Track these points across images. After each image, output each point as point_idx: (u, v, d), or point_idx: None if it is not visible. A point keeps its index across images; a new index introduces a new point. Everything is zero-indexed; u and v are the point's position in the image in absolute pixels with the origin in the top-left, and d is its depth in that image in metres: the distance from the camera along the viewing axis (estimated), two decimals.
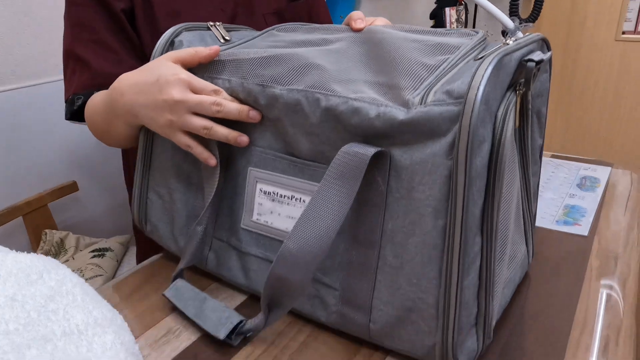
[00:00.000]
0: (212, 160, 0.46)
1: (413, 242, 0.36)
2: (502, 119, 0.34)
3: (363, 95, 0.38)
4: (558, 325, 0.42)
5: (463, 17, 1.56)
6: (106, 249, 1.25)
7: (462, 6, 1.50)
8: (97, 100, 0.58)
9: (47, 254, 1.24)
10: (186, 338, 0.43)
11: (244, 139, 0.45)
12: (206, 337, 0.43)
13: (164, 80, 0.45)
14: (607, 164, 0.74)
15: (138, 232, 0.79)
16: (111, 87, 0.52)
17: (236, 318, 0.42)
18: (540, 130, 0.46)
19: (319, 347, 0.42)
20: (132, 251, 1.32)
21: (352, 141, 0.39)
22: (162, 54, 0.52)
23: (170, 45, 0.52)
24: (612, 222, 0.58)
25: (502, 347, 0.40)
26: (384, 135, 0.37)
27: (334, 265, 0.42)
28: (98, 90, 0.60)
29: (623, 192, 0.66)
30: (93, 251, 1.26)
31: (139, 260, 0.82)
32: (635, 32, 1.14)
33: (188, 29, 0.54)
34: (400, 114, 0.36)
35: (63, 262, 1.22)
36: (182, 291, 0.46)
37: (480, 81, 0.32)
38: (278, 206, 0.45)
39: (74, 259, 1.24)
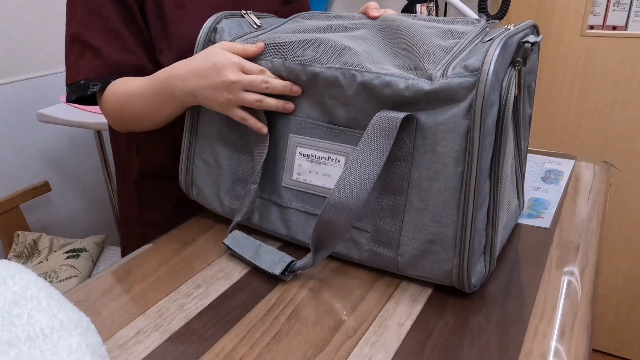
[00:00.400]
0: (265, 129, 0.54)
1: (436, 187, 0.46)
2: (507, 88, 0.44)
3: (393, 71, 0.47)
4: (518, 312, 0.45)
5: (434, 14, 1.66)
6: (81, 250, 1.25)
7: (432, 3, 1.59)
8: (138, 86, 0.61)
9: (20, 255, 1.25)
10: (157, 338, 0.44)
11: (290, 106, 0.54)
12: (176, 337, 0.44)
13: (221, 65, 0.53)
14: (572, 157, 0.77)
15: (124, 229, 0.81)
16: (164, 75, 0.57)
17: (288, 258, 0.51)
18: (530, 102, 0.56)
19: (346, 275, 0.51)
20: (108, 251, 1.31)
21: (384, 109, 0.48)
22: (206, 37, 0.60)
23: (213, 31, 0.60)
24: (573, 213, 0.61)
25: (460, 327, 0.43)
26: (412, 103, 0.46)
27: (366, 212, 0.51)
28: (115, 78, 0.64)
29: (586, 184, 0.69)
30: (67, 252, 1.23)
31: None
32: (603, 27, 1.25)
33: (227, 17, 0.62)
34: (426, 85, 0.45)
35: (37, 264, 1.20)
36: (239, 239, 0.55)
37: (492, 58, 0.42)
38: (316, 166, 0.54)
39: (47, 260, 1.23)
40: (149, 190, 0.76)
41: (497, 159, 0.45)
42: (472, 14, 1.09)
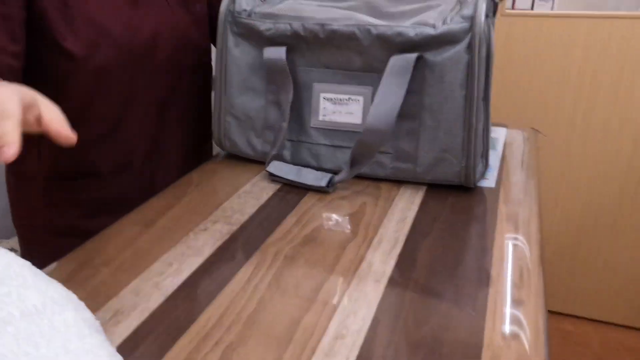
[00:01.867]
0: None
1: (446, 108, 0.60)
2: (489, 30, 0.59)
3: (402, 23, 0.61)
4: (476, 262, 0.49)
5: None
6: None
7: None
8: None
9: None
10: (137, 317, 0.43)
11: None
12: (157, 314, 0.44)
13: None
14: (503, 125, 0.86)
15: (25, 234, 0.76)
16: None
17: (328, 174, 0.64)
18: None
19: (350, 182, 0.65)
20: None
21: (396, 54, 0.62)
22: (227, 8, 0.69)
23: (232, 2, 0.70)
24: (512, 175, 0.69)
25: (422, 290, 0.45)
26: (420, 46, 0.60)
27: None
28: None
29: (518, 148, 0.78)
30: None
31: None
32: (513, 8, 1.50)
33: None
34: (431, 31, 0.59)
35: None
36: (279, 167, 0.66)
37: (482, 7, 0.57)
38: (339, 107, 0.66)
39: None
40: (56, 195, 0.71)
41: (488, 84, 0.60)
42: None
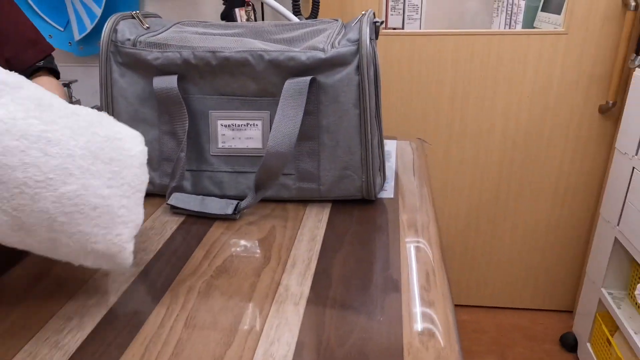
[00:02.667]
0: None
1: (342, 127, 0.63)
2: (374, 51, 0.63)
3: (294, 49, 0.63)
4: (386, 270, 0.52)
5: (253, 17, 1.85)
6: None
7: (250, 7, 1.78)
8: None
9: None
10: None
11: None
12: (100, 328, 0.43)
13: None
14: (393, 137, 0.92)
15: None
16: None
17: (233, 201, 0.62)
18: None
19: (283, 208, 0.65)
20: None
21: (289, 78, 0.63)
22: (108, 38, 0.66)
23: (114, 32, 0.66)
24: (407, 184, 0.73)
25: (340, 306, 0.46)
26: (312, 70, 0.63)
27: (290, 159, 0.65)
28: None
29: (408, 158, 0.83)
30: None
31: None
32: (385, 28, 1.61)
33: (123, 18, 0.68)
34: (322, 54, 0.62)
35: None
36: (181, 198, 0.63)
37: (367, 31, 0.61)
38: (237, 132, 0.66)
39: None
40: None
41: (378, 101, 0.64)
42: (292, 16, 1.30)
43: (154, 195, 0.68)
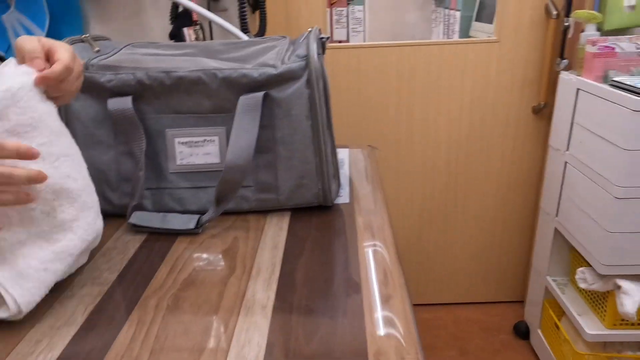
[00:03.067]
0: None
1: (296, 139, 0.66)
2: (321, 65, 0.67)
3: (246, 66, 0.66)
4: (346, 272, 0.55)
5: (201, 36, 1.87)
6: None
7: (198, 26, 1.79)
8: None
9: None
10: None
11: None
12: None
13: None
14: (345, 146, 0.95)
15: None
16: None
17: (195, 215, 0.64)
18: None
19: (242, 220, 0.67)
20: None
21: (242, 94, 0.66)
22: None
23: None
24: (361, 189, 0.77)
25: (305, 308, 0.48)
26: (265, 85, 0.65)
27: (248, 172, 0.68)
28: None
29: (361, 165, 0.87)
30: None
31: None
32: (331, 41, 1.66)
33: (72, 42, 0.69)
34: (273, 70, 0.65)
35: None
36: (142, 216, 0.64)
37: (314, 47, 0.64)
38: (195, 149, 0.68)
39: None
40: None
41: (329, 112, 0.68)
42: (240, 34, 1.32)
43: (115, 215, 0.69)
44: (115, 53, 0.71)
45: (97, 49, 0.71)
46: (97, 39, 0.74)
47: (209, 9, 1.33)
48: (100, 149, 0.67)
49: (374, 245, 0.62)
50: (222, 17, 1.21)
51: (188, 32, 1.79)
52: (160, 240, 0.64)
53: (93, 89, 0.66)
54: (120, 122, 0.66)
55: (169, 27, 1.63)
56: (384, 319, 0.48)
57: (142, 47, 0.74)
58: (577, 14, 1.33)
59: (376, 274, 0.56)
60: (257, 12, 1.50)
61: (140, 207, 0.68)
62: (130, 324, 0.48)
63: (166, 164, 0.68)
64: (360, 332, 0.46)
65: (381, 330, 0.46)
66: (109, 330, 0.48)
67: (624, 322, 1.31)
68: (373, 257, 0.59)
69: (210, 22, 1.49)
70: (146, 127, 0.67)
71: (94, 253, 0.61)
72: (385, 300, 0.51)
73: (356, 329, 0.47)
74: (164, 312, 0.50)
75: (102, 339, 0.46)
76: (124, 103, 0.65)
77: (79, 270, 0.57)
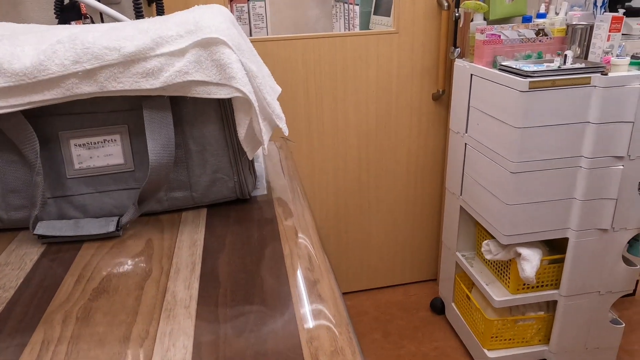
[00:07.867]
0: None
1: (206, 131, 0.63)
2: None
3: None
4: (271, 262, 0.54)
5: None
6: None
7: (88, 18, 1.67)
8: None
9: None
10: None
11: None
12: None
13: None
14: None
15: None
16: None
17: (114, 217, 0.59)
18: None
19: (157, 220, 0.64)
20: None
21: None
22: None
23: None
24: (277, 180, 0.77)
25: (232, 301, 0.46)
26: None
27: None
28: None
29: (275, 157, 0.88)
30: None
31: None
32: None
33: None
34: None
35: None
36: (50, 225, 0.58)
37: None
38: (94, 151, 0.63)
39: None
40: None
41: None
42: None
43: (2, 230, 0.61)
44: None
45: None
46: None
47: (99, 0, 1.24)
48: None
49: (296, 233, 0.61)
50: (115, 10, 1.14)
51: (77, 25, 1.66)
52: (63, 250, 0.58)
53: None
54: (6, 127, 0.59)
55: (54, 21, 1.50)
56: (313, 304, 0.48)
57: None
58: (466, 4, 1.43)
59: (300, 261, 0.55)
60: (154, 5, 1.43)
61: (39, 219, 0.61)
62: (33, 344, 0.43)
63: (63, 169, 0.62)
64: (291, 319, 0.45)
65: (311, 316, 0.46)
66: (9, 354, 0.42)
67: (526, 286, 1.43)
68: (296, 245, 0.58)
69: (101, 15, 1.39)
70: (37, 131, 0.61)
71: None
72: (312, 285, 0.51)
73: (286, 317, 0.46)
74: (74, 326, 0.45)
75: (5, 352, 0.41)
76: None
77: None
